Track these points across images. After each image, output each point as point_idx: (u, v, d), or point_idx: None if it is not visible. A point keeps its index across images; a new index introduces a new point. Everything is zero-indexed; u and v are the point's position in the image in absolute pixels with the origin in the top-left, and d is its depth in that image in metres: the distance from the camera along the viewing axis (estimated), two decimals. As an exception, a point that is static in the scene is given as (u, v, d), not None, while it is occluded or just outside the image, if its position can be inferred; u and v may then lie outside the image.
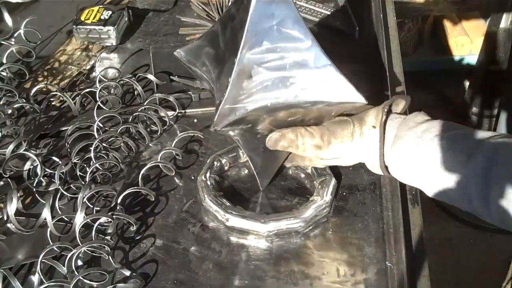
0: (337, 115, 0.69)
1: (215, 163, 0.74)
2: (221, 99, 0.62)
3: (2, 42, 0.95)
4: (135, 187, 0.70)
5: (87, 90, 0.86)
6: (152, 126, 0.82)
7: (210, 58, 0.70)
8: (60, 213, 0.69)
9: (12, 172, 0.74)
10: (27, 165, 0.73)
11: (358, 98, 0.65)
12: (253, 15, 0.61)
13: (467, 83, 2.24)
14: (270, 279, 0.63)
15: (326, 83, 0.64)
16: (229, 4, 1.05)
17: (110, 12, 1.02)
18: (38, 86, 0.87)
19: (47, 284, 0.59)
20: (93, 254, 0.64)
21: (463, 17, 2.26)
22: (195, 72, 0.74)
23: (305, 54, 0.64)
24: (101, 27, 0.99)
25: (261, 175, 0.72)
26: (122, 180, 0.75)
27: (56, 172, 0.71)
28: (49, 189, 0.72)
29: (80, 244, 0.62)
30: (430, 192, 0.63)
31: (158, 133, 0.81)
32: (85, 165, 0.74)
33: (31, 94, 0.86)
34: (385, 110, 0.65)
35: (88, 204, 0.68)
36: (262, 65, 0.63)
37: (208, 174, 0.72)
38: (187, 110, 0.85)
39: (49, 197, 0.67)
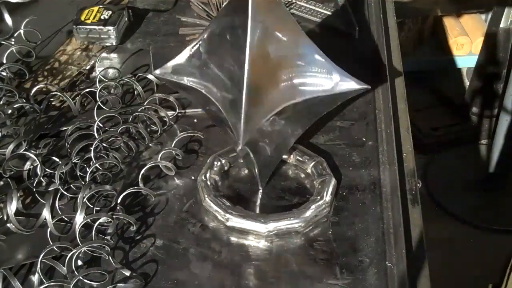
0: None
1: (215, 163, 0.74)
2: (239, 119, 0.64)
3: (2, 42, 0.95)
4: (135, 187, 0.70)
5: (87, 90, 0.86)
6: (152, 126, 0.82)
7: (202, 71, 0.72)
8: (60, 213, 0.69)
9: (12, 172, 0.74)
10: (27, 165, 0.73)
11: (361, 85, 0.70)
12: (252, 26, 0.62)
13: (467, 83, 2.24)
14: (270, 279, 0.63)
15: (326, 75, 0.68)
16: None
17: (110, 12, 1.02)
18: (38, 86, 0.87)
19: (47, 284, 0.59)
20: (93, 254, 0.64)
21: (463, 17, 2.26)
22: (180, 86, 0.76)
23: (302, 52, 0.67)
24: (101, 27, 0.99)
25: (262, 174, 0.72)
26: (122, 180, 0.75)
27: (56, 172, 0.71)
28: (49, 189, 0.72)
29: (80, 244, 0.62)
30: None
31: (158, 133, 0.81)
32: (85, 165, 0.74)
33: (31, 94, 0.85)
34: None
35: (88, 204, 0.68)
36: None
37: (208, 174, 0.72)
38: (187, 110, 0.85)
39: (49, 197, 0.67)
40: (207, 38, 0.70)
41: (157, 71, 0.76)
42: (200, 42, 0.71)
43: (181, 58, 0.73)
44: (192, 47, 0.72)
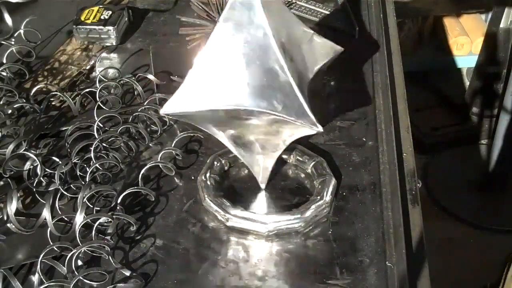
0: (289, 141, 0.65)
1: (215, 163, 0.74)
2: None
3: (2, 42, 0.95)
4: (135, 187, 0.70)
5: (87, 90, 0.86)
6: (152, 126, 0.82)
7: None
8: (60, 213, 0.69)
9: (12, 172, 0.74)
10: (27, 165, 0.73)
11: (312, 125, 0.58)
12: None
13: (467, 83, 2.24)
14: (270, 279, 0.63)
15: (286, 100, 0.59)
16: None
17: (110, 12, 1.02)
18: (38, 86, 0.87)
19: (47, 284, 0.59)
20: (93, 254, 0.64)
21: (463, 17, 2.26)
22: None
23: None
24: (101, 27, 0.99)
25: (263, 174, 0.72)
26: (122, 180, 0.75)
27: (56, 172, 0.71)
28: (49, 189, 0.72)
29: (80, 244, 0.62)
30: None
31: (158, 133, 0.81)
32: (85, 165, 0.74)
33: (31, 94, 0.86)
34: None
35: (88, 204, 0.68)
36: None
37: (208, 174, 0.72)
38: (187, 110, 0.85)
39: (49, 197, 0.67)
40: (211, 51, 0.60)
41: (165, 110, 0.62)
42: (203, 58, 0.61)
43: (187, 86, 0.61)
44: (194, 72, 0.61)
